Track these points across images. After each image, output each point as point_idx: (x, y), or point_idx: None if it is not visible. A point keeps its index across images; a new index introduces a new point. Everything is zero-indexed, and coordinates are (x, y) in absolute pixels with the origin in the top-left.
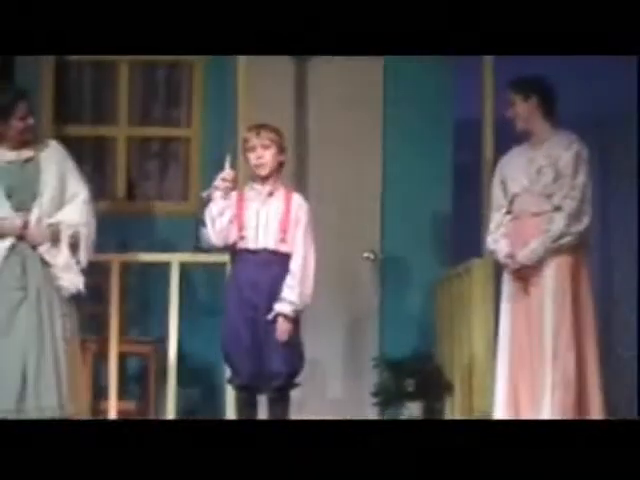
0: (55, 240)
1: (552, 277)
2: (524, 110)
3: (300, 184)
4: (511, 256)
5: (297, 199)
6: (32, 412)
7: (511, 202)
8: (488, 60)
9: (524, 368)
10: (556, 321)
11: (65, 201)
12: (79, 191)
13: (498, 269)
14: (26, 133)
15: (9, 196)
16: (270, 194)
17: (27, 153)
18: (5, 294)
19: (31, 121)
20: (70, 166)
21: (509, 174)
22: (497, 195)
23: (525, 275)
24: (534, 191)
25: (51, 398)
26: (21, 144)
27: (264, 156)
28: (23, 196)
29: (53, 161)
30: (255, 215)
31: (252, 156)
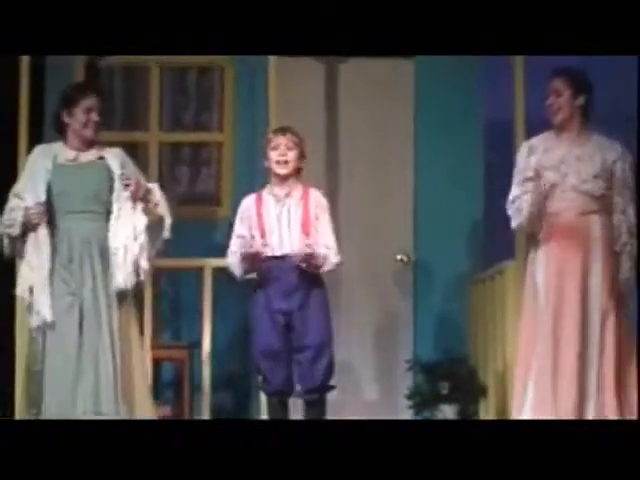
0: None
1: (598, 277)
2: (570, 104)
3: (332, 185)
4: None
5: (314, 195)
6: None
7: (544, 194)
8: (519, 59)
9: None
10: (599, 320)
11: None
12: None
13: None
14: (88, 128)
15: (56, 194)
16: (287, 195)
17: (86, 157)
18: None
19: (95, 117)
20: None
21: (545, 163)
22: (525, 183)
23: (566, 273)
24: (577, 188)
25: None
26: (83, 144)
27: (287, 155)
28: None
29: (114, 164)
30: (276, 220)
31: (274, 154)
